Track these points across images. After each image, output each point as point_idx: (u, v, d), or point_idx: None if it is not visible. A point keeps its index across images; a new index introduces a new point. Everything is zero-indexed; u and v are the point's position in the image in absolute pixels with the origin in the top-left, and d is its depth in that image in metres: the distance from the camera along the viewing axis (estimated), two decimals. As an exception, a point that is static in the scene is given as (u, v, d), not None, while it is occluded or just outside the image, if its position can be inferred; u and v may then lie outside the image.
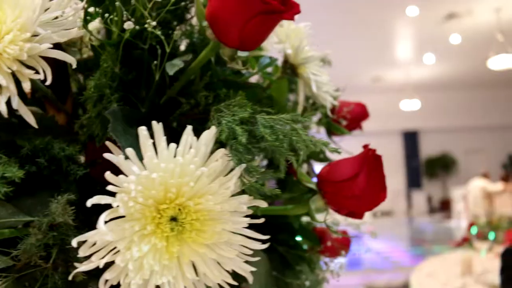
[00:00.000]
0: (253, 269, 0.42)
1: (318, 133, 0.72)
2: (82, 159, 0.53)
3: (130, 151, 0.38)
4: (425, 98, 14.13)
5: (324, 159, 0.67)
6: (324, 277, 0.76)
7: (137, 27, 0.46)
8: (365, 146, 0.51)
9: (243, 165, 0.39)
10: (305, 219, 0.80)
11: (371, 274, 5.56)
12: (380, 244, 8.49)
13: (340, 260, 0.76)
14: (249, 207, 0.41)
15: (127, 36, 0.46)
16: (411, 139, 15.49)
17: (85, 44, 0.56)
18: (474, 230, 2.80)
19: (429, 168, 15.39)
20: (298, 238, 0.70)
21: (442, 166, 15.32)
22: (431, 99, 14.71)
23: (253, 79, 0.65)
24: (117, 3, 0.44)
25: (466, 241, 3.05)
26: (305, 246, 0.77)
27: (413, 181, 15.29)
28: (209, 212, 0.39)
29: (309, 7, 7.95)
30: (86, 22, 0.46)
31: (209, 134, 0.39)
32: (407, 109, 13.41)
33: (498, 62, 8.67)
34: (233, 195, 0.40)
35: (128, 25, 0.44)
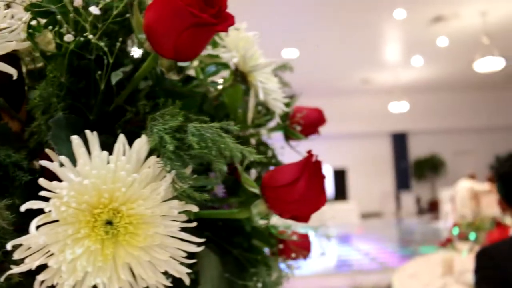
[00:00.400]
0: (189, 270, 0.44)
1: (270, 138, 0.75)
2: (36, 164, 0.55)
3: (63, 158, 0.40)
4: (414, 100, 14.22)
5: (276, 163, 0.69)
6: (281, 279, 0.77)
7: (81, 38, 0.48)
8: (308, 152, 0.53)
9: (174, 172, 0.40)
10: (262, 222, 0.82)
11: (359, 276, 5.59)
12: (368, 245, 8.54)
13: (297, 262, 0.78)
14: (182, 212, 0.43)
15: (71, 47, 0.48)
16: (400, 141, 15.57)
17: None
18: (455, 231, 2.84)
19: (417, 170, 15.49)
20: (255, 241, 0.72)
21: (431, 167, 15.42)
22: (420, 101, 14.81)
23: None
24: (59, 17, 0.46)
25: (449, 242, 3.07)
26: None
27: (402, 183, 15.38)
28: (142, 216, 0.41)
29: (299, 10, 8.04)
30: (30, 34, 0.48)
31: (140, 142, 0.41)
32: (396, 111, 13.49)
33: (484, 65, 8.76)
34: (166, 200, 0.42)
35: (68, 37, 0.46)
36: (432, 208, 14.85)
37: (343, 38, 9.59)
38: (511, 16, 8.62)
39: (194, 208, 0.43)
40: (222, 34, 0.60)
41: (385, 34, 9.62)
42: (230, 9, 0.45)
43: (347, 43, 9.94)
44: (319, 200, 0.52)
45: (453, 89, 15.00)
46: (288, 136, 0.75)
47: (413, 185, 15.53)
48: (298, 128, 0.72)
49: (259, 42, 0.61)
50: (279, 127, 0.74)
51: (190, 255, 0.44)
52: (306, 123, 0.74)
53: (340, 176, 13.59)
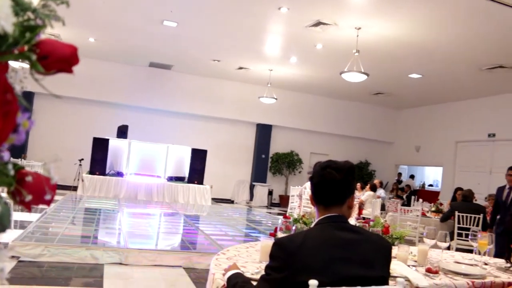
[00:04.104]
0: None
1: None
2: None
3: None
4: (283, 96, 14.80)
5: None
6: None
7: None
8: None
9: None
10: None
11: (195, 256, 5.63)
12: (214, 229, 8.69)
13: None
14: None
15: None
16: (264, 134, 16.07)
17: None
18: (279, 221, 2.95)
19: (275, 164, 16.13)
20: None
21: (288, 163, 16.16)
22: (288, 98, 15.45)
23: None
24: None
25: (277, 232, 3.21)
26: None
27: (259, 174, 15.90)
28: None
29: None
30: None
31: None
32: (265, 103, 13.91)
33: (350, 76, 9.34)
34: None
35: None
36: (283, 202, 15.62)
37: (227, 23, 9.58)
38: (381, 37, 9.30)
39: None
40: None
41: (267, 28, 9.79)
42: None
43: (230, 29, 9.95)
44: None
45: (321, 93, 15.88)
46: (32, 66, 0.66)
47: (269, 177, 16.16)
48: (34, 57, 0.63)
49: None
50: (26, 55, 0.65)
51: None
52: (55, 57, 0.66)
53: (199, 157, 13.57)
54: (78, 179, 12.05)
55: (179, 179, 13.55)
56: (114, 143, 13.09)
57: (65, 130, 13.85)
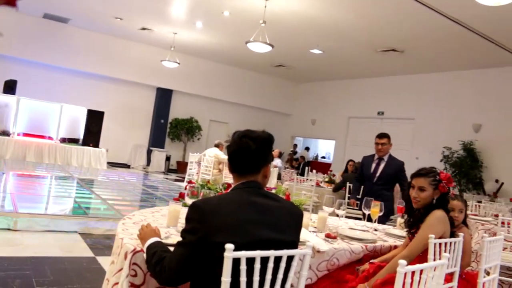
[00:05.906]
0: None
1: None
2: None
3: None
4: (186, 61, 14.56)
5: None
6: None
7: None
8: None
9: None
10: None
11: (93, 222, 5.45)
12: (110, 193, 8.45)
13: None
14: None
15: None
16: (164, 98, 15.72)
17: None
18: (187, 188, 2.97)
19: (174, 129, 15.92)
20: None
21: (187, 129, 16.04)
22: (191, 63, 15.23)
23: None
24: None
25: (182, 197, 3.24)
26: None
27: (157, 139, 15.61)
28: None
29: None
30: None
31: None
32: (167, 67, 13.59)
33: (256, 46, 9.40)
34: None
35: None
36: (180, 168, 15.55)
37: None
38: (288, 10, 9.44)
39: None
40: None
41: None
42: None
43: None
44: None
45: (224, 62, 15.84)
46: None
47: (167, 143, 15.93)
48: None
49: None
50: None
51: None
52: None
53: (95, 119, 12.98)
54: (-44, 137, 10.99)
55: (73, 141, 12.90)
56: (0, 99, 12.08)
57: None
